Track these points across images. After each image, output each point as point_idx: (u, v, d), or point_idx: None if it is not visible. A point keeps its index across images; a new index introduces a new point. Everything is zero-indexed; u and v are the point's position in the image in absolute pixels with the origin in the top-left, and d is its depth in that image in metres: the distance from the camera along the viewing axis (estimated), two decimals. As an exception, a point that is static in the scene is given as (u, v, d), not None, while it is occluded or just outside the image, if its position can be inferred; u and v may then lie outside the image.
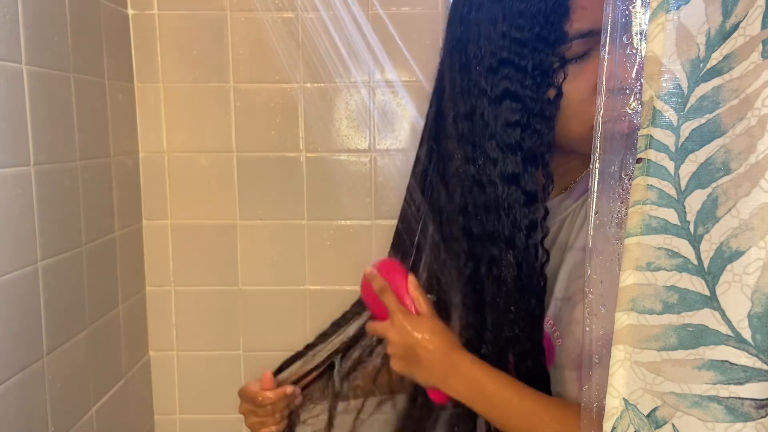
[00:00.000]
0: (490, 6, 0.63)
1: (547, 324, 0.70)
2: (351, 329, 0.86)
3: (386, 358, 0.76)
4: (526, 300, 0.67)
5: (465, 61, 0.66)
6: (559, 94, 0.62)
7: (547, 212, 0.67)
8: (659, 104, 0.44)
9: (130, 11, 1.11)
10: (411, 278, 0.74)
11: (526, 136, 0.63)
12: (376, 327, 0.76)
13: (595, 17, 0.60)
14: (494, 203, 0.66)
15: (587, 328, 0.54)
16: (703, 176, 0.42)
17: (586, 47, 0.62)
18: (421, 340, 0.69)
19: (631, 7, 0.50)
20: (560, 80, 0.62)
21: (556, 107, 0.63)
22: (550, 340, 0.70)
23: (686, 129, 0.43)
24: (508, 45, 0.62)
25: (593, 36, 0.60)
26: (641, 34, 0.49)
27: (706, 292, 0.42)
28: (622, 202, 0.51)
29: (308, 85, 1.12)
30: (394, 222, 1.15)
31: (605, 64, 0.51)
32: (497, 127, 0.64)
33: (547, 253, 0.67)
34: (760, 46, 0.40)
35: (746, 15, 0.41)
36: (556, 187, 0.73)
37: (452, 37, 0.68)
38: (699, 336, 0.42)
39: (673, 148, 0.43)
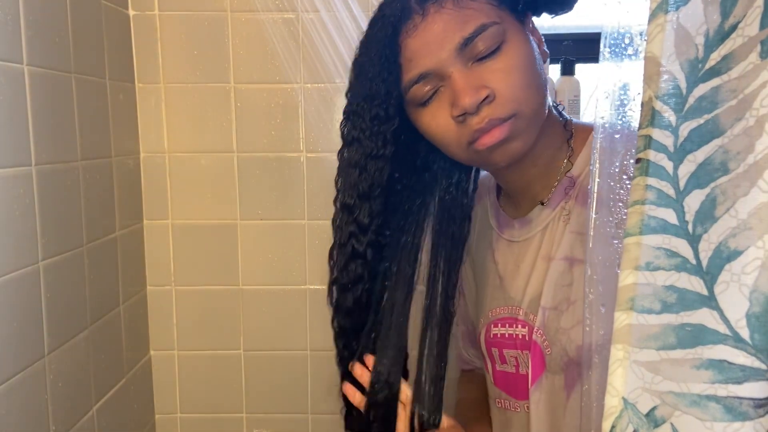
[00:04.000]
0: (356, 67, 0.72)
1: (537, 333, 0.71)
2: None
3: None
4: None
5: (344, 111, 0.75)
6: (398, 135, 0.71)
7: (378, 242, 0.77)
8: (658, 105, 0.44)
9: (131, 12, 1.11)
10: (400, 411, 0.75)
11: (363, 176, 0.73)
12: None
13: (422, 62, 0.66)
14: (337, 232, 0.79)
15: (587, 328, 0.55)
16: (702, 176, 0.42)
17: (429, 87, 0.67)
18: None
19: (630, 8, 0.50)
20: (395, 126, 0.71)
21: (391, 146, 0.71)
22: (540, 348, 0.71)
23: (685, 129, 0.43)
24: (360, 100, 0.71)
25: (428, 78, 0.67)
26: (640, 34, 0.49)
27: (705, 292, 0.42)
28: (621, 202, 0.51)
29: (308, 85, 1.12)
30: (395, 222, 1.16)
31: (604, 65, 0.51)
32: (342, 166, 0.75)
33: (371, 282, 0.77)
34: (759, 47, 0.40)
35: (745, 15, 0.41)
36: (526, 199, 0.77)
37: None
38: (697, 335, 0.42)
39: (672, 149, 0.43)
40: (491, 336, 0.78)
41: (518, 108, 0.65)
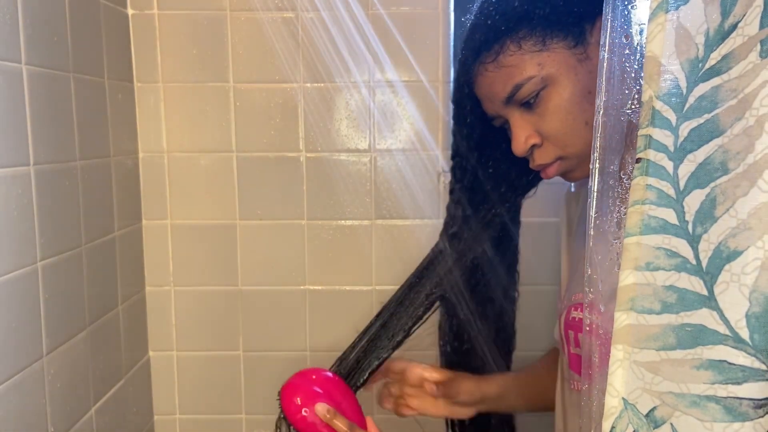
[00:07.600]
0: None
1: None
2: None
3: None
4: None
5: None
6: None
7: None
8: (658, 104, 0.44)
9: (130, 11, 1.11)
10: (369, 421, 0.82)
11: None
12: None
13: (486, 107, 0.77)
14: None
15: (587, 328, 0.55)
16: (702, 176, 0.42)
17: (500, 122, 0.77)
18: None
19: (630, 7, 0.50)
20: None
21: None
22: None
23: (685, 129, 0.43)
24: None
25: (496, 118, 0.78)
26: (641, 34, 0.49)
27: (705, 292, 0.42)
28: (621, 202, 0.51)
29: (308, 85, 1.12)
30: (394, 222, 1.16)
31: (605, 64, 0.51)
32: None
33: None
34: (759, 46, 0.40)
35: (745, 15, 0.41)
36: None
37: None
38: (697, 336, 0.42)
39: (672, 148, 0.43)
40: (569, 319, 0.80)
41: (562, 152, 0.73)
